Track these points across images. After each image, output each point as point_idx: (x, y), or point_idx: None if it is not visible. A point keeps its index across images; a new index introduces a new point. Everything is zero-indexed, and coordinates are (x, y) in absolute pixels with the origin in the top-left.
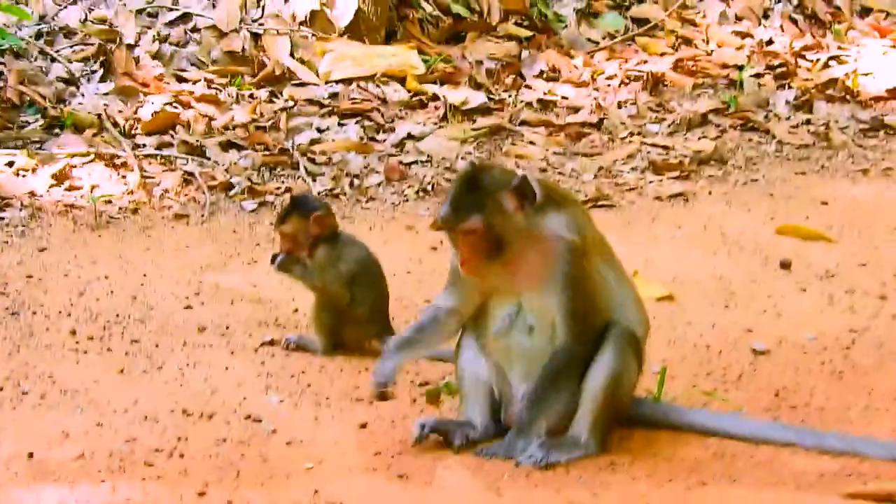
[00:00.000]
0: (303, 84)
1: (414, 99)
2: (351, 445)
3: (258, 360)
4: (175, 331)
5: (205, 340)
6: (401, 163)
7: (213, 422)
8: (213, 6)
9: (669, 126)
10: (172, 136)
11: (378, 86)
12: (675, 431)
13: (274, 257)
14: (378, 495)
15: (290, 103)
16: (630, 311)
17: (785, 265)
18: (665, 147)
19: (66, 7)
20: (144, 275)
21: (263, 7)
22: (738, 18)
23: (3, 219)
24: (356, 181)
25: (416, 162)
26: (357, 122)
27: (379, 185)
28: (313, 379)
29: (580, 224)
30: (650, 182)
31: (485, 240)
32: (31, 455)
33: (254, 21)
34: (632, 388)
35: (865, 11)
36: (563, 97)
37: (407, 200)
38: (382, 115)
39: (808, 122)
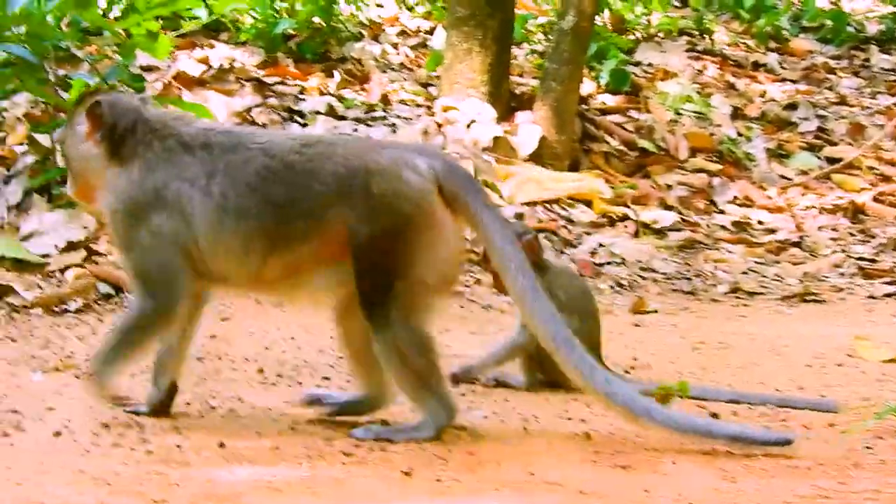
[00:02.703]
0: None
1: (602, 219)
2: (565, 447)
3: (459, 390)
4: None
5: None
6: (594, 263)
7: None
8: (394, 132)
9: (875, 248)
10: None
11: (564, 208)
12: None
13: None
14: (598, 479)
15: None
16: None
17: None
18: (873, 260)
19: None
20: (331, 336)
21: (445, 133)
22: None
23: None
24: None
25: (609, 263)
26: (544, 238)
27: None
28: (518, 403)
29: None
30: (859, 285)
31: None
32: (222, 444)
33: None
34: None
35: None
36: (759, 221)
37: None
38: (570, 233)
39: None
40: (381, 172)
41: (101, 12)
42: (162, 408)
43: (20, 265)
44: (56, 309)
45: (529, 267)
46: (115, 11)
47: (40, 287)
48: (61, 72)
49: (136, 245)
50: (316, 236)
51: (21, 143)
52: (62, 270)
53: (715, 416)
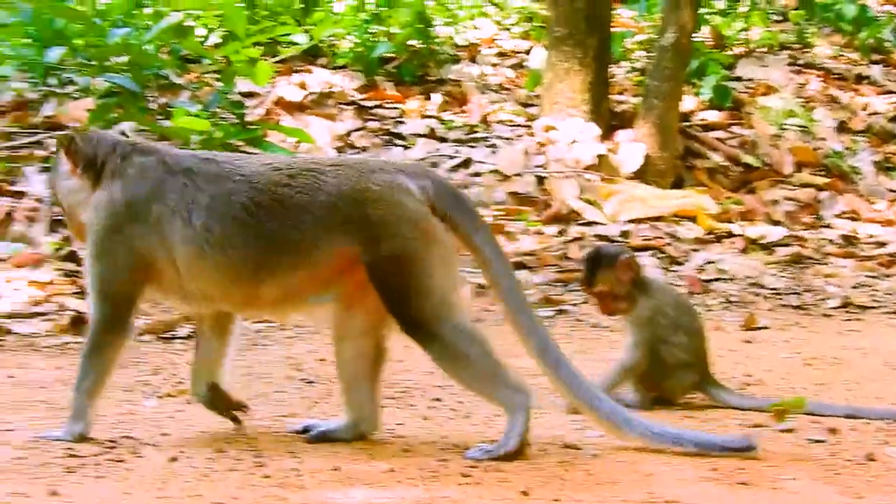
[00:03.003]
0: (590, 223)
1: (708, 236)
2: (683, 464)
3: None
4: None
5: None
6: (701, 280)
7: (530, 450)
8: (494, 153)
9: None
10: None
11: (669, 225)
12: None
13: None
14: (719, 497)
15: (578, 237)
16: None
17: None
18: None
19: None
20: None
21: (546, 153)
22: None
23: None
24: None
25: (717, 279)
26: (651, 255)
27: None
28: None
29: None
30: None
31: None
32: (336, 468)
33: (537, 166)
34: None
35: None
36: (870, 235)
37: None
38: (676, 250)
39: None
40: (377, 200)
41: (200, 40)
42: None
43: None
44: (165, 335)
45: (519, 283)
46: (213, 38)
47: (149, 314)
48: (162, 100)
49: (107, 256)
50: (311, 266)
51: None
52: None
53: (833, 431)
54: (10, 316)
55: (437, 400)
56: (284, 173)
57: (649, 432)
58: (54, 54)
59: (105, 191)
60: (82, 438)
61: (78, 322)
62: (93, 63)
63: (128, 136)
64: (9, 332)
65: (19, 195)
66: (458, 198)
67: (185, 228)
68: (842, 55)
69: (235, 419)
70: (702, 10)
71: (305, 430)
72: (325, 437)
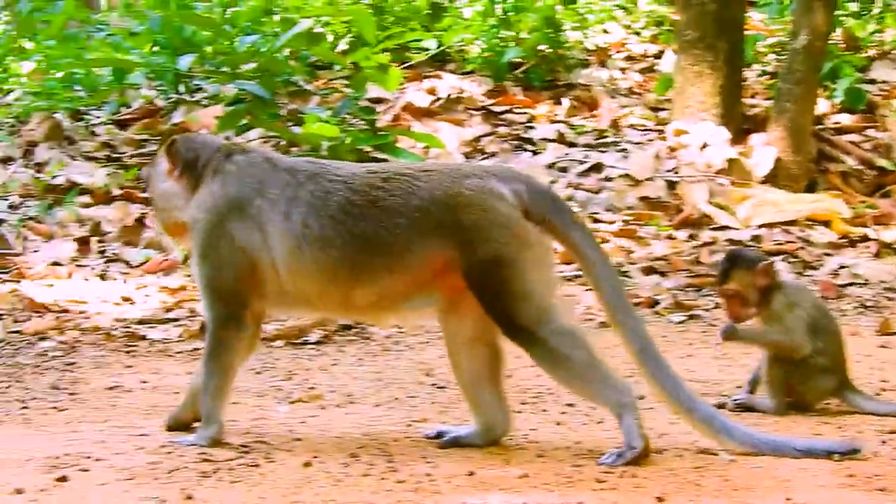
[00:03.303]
0: (722, 228)
1: (841, 240)
2: (820, 470)
3: None
4: None
5: (646, 404)
6: (836, 285)
7: (665, 455)
8: (625, 157)
9: None
10: None
11: (802, 230)
12: None
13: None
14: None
15: (710, 241)
16: None
17: None
18: None
19: (476, 161)
20: None
21: (678, 157)
22: None
23: (423, 325)
24: None
25: (851, 284)
26: (783, 260)
27: None
28: (768, 427)
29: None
30: None
31: None
32: (471, 473)
33: (668, 170)
34: None
35: None
36: None
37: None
38: (810, 254)
39: None
40: (469, 205)
41: (329, 46)
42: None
43: None
44: (297, 341)
45: (621, 283)
46: (341, 45)
47: (281, 319)
48: (292, 106)
49: (213, 252)
50: (404, 269)
51: None
52: None
53: None
54: (143, 322)
55: (570, 405)
56: (379, 176)
57: (750, 439)
58: (184, 62)
59: (207, 188)
60: (216, 443)
61: None
62: (222, 70)
63: (231, 141)
64: (142, 337)
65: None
66: (553, 200)
67: (284, 223)
68: None
69: None
70: (835, 13)
71: (439, 436)
72: (457, 443)
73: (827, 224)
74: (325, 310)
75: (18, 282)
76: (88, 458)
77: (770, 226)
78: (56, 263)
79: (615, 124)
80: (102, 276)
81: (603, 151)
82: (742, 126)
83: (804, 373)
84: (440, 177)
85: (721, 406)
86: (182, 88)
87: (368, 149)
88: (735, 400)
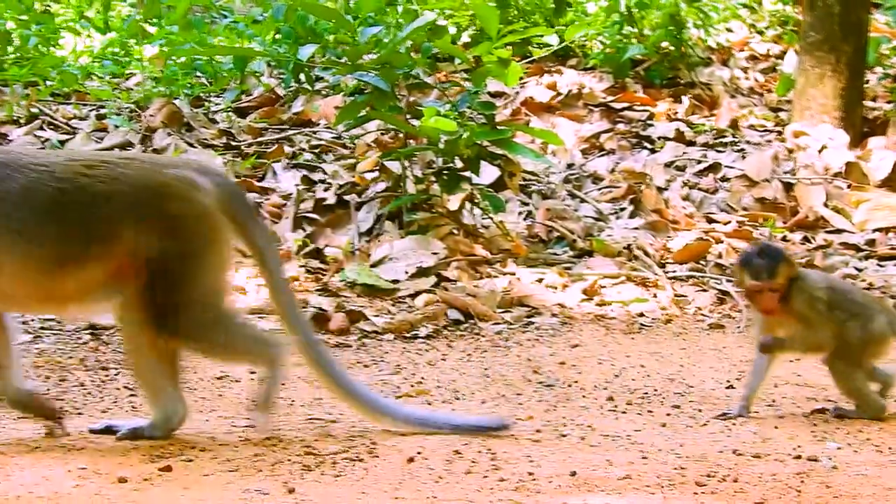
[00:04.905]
0: (837, 231)
1: None
2: None
3: (811, 421)
4: (717, 402)
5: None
6: None
7: (765, 460)
8: (743, 157)
9: None
10: (704, 264)
11: None
12: None
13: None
14: None
15: (825, 245)
16: None
17: None
18: None
19: (594, 158)
20: (681, 365)
21: (795, 159)
22: None
23: (533, 323)
24: None
25: None
26: None
27: None
28: (872, 434)
29: None
30: None
31: None
32: (573, 473)
33: (785, 172)
34: None
35: None
36: None
37: None
38: None
39: None
40: (173, 194)
41: (450, 39)
42: None
43: (371, 291)
44: (406, 335)
45: (288, 283)
46: (463, 38)
47: (391, 313)
48: (411, 98)
49: None
50: (107, 257)
51: (372, 170)
52: (412, 296)
53: None
54: (252, 312)
55: (676, 407)
56: (80, 164)
57: (401, 414)
58: (306, 51)
59: None
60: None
61: (320, 319)
62: (343, 61)
63: None
64: None
65: (267, 191)
66: (242, 196)
67: None
68: None
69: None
70: None
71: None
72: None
73: None
74: (24, 305)
75: None
76: (193, 448)
77: (885, 230)
78: None
79: (734, 124)
80: None
81: (721, 151)
82: (862, 129)
83: (851, 344)
84: (138, 164)
85: (822, 411)
86: (303, 78)
87: (486, 144)
88: (836, 409)
